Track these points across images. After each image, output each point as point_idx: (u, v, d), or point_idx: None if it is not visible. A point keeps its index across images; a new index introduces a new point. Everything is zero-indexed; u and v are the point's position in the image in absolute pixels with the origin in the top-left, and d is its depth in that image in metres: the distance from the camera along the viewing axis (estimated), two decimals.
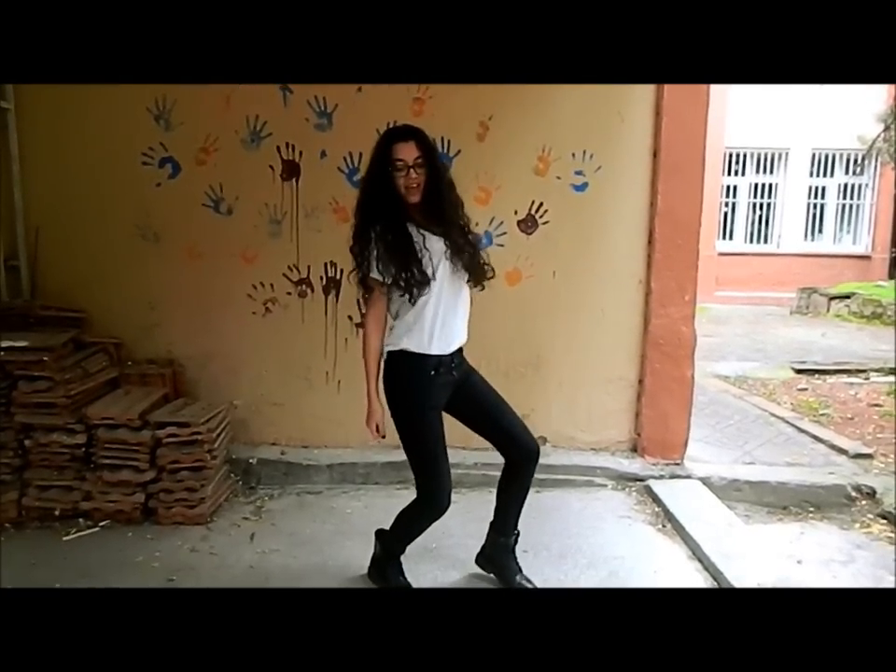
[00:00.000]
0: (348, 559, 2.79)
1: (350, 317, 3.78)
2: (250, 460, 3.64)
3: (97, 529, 3.08)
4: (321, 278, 3.77)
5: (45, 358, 3.12)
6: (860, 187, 13.09)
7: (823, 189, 13.15)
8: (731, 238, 13.30)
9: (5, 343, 3.13)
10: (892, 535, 3.29)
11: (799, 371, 6.54)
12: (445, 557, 2.85)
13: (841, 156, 12.90)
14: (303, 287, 3.77)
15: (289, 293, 3.78)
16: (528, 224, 3.73)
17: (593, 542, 3.05)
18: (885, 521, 3.42)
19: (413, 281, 2.23)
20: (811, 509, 3.56)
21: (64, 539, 2.99)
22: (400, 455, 2.86)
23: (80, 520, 3.12)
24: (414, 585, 2.56)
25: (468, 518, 2.99)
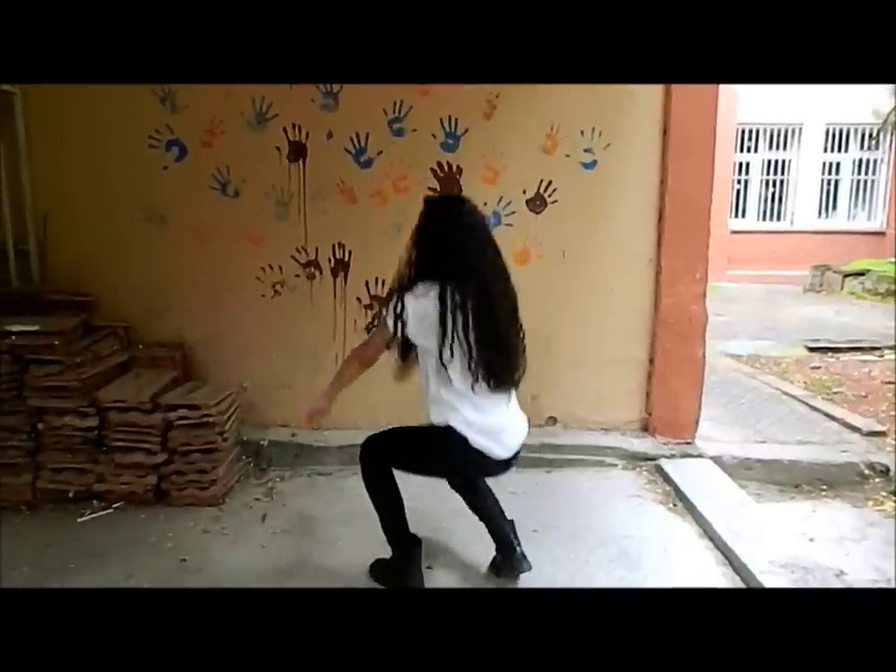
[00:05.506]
0: (359, 539, 2.80)
1: (359, 299, 3.77)
2: (261, 442, 3.66)
3: (110, 511, 3.11)
4: (329, 260, 3.76)
5: (55, 342, 3.14)
6: (874, 162, 12.89)
7: (837, 164, 12.95)
8: (743, 216, 13.15)
9: (16, 328, 3.15)
10: None
11: (812, 349, 6.50)
12: (458, 536, 2.86)
13: (856, 130, 12.70)
14: (311, 269, 3.77)
15: (298, 275, 3.77)
16: (537, 203, 3.70)
17: (603, 521, 3.05)
18: None
19: None
20: (824, 487, 3.54)
21: (78, 520, 3.03)
22: None
23: (94, 501, 3.15)
24: (427, 564, 2.57)
25: None
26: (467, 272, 2.18)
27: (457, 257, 2.18)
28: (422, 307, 2.18)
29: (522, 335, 2.33)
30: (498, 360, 2.23)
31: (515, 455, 2.37)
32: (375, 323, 2.37)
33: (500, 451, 2.29)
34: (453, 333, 2.15)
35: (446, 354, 2.17)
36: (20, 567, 2.59)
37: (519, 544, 2.56)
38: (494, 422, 2.28)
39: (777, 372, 5.65)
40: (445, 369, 2.20)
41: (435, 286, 2.18)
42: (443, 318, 2.15)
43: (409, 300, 2.20)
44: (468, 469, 2.39)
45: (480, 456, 2.26)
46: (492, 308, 2.20)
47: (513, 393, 2.37)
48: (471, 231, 2.24)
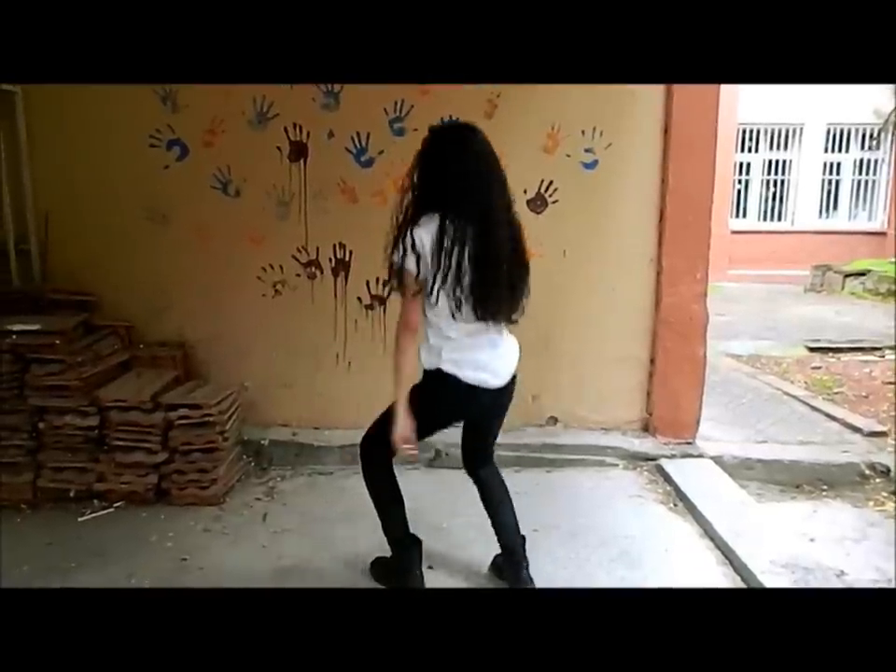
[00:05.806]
0: (359, 539, 2.80)
1: (359, 298, 3.78)
2: (262, 441, 3.66)
3: (111, 510, 3.12)
4: (330, 259, 3.76)
5: (56, 342, 3.15)
6: (875, 162, 12.88)
7: (838, 164, 12.94)
8: (744, 216, 13.14)
9: (17, 327, 3.16)
10: None
11: (812, 349, 6.49)
12: (458, 536, 2.87)
13: (857, 131, 12.69)
14: (312, 268, 3.77)
15: (298, 275, 3.77)
16: (538, 203, 3.70)
17: (604, 521, 3.05)
18: None
19: None
20: (824, 487, 3.54)
21: (79, 519, 3.03)
22: None
23: (95, 501, 3.15)
24: (427, 564, 2.57)
25: (477, 497, 2.99)
26: (471, 201, 2.07)
27: (462, 185, 2.07)
28: (430, 238, 2.07)
29: (524, 269, 2.23)
30: (495, 294, 2.14)
31: (512, 381, 2.32)
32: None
33: (494, 380, 2.24)
34: (447, 264, 2.06)
35: (437, 285, 2.08)
36: (20, 565, 2.59)
37: (527, 565, 2.46)
38: (483, 356, 2.22)
39: (778, 372, 5.65)
40: (435, 304, 2.12)
41: (437, 216, 2.07)
42: (438, 249, 2.05)
43: (417, 233, 2.07)
44: (468, 405, 2.28)
45: (477, 391, 2.21)
46: (493, 240, 2.10)
47: (505, 329, 2.29)
48: (478, 159, 2.12)
